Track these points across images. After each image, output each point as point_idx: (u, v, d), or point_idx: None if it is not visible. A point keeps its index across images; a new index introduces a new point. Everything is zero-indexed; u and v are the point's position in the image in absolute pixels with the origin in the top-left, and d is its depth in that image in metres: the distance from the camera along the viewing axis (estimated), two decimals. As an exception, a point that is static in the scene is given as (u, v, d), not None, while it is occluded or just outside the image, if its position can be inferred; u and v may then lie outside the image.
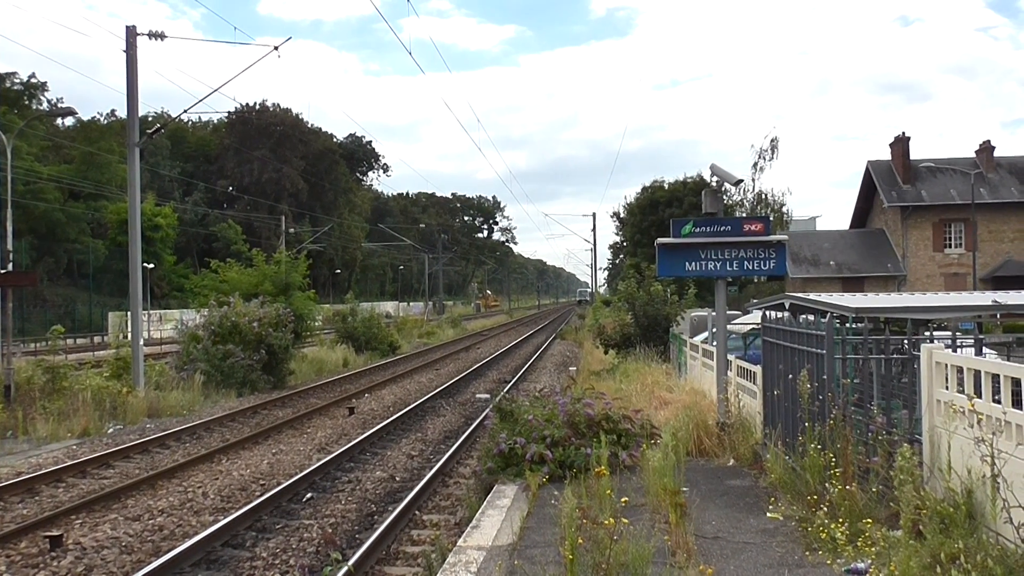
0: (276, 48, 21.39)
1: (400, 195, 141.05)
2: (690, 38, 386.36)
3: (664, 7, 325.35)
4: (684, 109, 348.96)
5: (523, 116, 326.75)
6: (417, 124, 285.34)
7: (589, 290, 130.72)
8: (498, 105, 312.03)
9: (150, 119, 66.73)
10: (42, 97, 65.32)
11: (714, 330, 13.43)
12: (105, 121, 75.89)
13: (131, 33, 21.26)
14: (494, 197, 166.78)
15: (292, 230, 72.90)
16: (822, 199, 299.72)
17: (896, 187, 46.88)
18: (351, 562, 7.54)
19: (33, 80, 64.36)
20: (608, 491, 7.14)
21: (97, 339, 45.13)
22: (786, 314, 10.61)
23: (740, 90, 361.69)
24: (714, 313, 12.91)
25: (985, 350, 9.17)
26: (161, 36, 21.30)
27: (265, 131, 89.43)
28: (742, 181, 14.95)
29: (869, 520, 6.35)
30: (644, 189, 52.75)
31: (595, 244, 73.47)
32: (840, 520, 6.47)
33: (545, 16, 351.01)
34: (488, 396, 20.46)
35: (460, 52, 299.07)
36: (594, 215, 72.31)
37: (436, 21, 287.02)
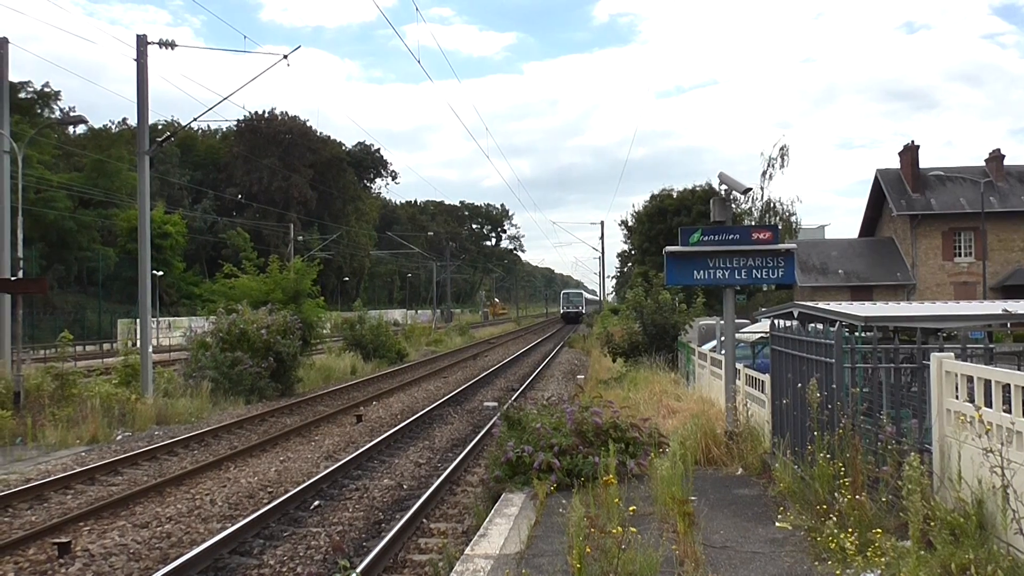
0: (286, 57, 21.54)
1: (408, 203, 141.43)
2: (694, 45, 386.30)
3: (667, 14, 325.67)
4: (690, 116, 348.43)
5: (527, 124, 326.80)
6: (420, 131, 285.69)
7: (588, 295, 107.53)
8: (502, 112, 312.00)
9: (159, 127, 67.15)
10: (54, 106, 65.77)
11: (722, 339, 13.40)
12: (115, 129, 76.35)
13: (142, 42, 21.40)
14: (502, 205, 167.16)
15: (301, 238, 73.16)
16: (830, 207, 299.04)
17: (905, 196, 46.74)
18: (358, 570, 7.54)
19: (47, 89, 64.85)
20: (616, 500, 7.13)
21: (106, 346, 45.28)
22: (795, 323, 10.59)
23: (745, 97, 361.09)
24: (722, 322, 12.89)
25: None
26: (172, 45, 21.42)
27: (274, 139, 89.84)
28: (751, 190, 14.89)
29: (879, 530, 6.32)
30: (652, 197, 52.69)
31: (603, 252, 73.45)
32: (849, 530, 6.44)
33: (547, 23, 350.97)
34: (496, 404, 20.44)
35: (463, 59, 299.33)
36: (602, 223, 72.01)
37: (438, 28, 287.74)
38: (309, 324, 26.61)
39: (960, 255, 46.19)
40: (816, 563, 6.43)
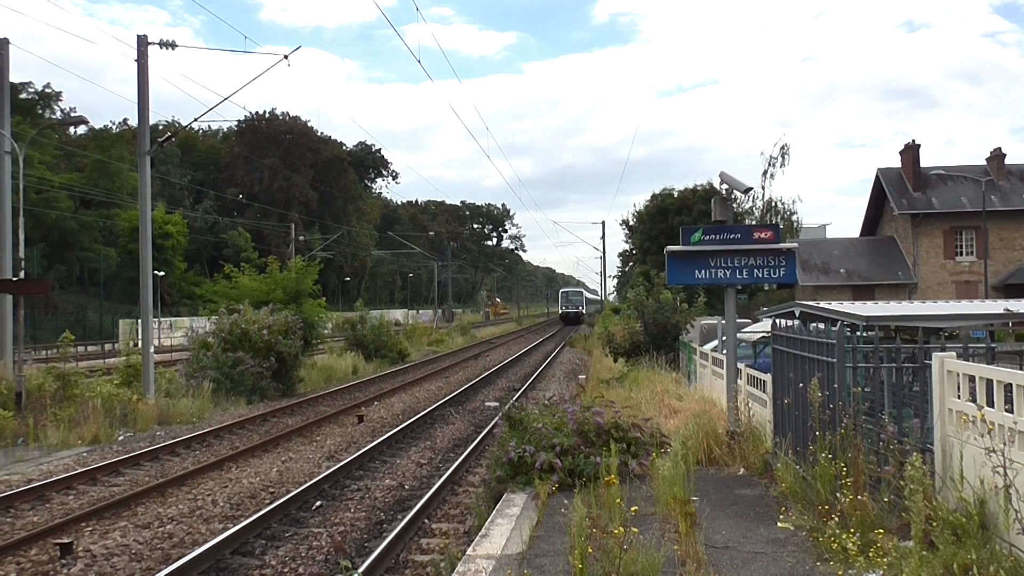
0: (286, 57, 21.53)
1: (409, 203, 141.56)
2: (694, 44, 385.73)
3: (667, 13, 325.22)
4: (690, 116, 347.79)
5: (528, 123, 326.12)
6: (421, 131, 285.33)
7: (589, 295, 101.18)
8: (502, 112, 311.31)
9: (160, 127, 67.17)
10: (55, 106, 65.87)
11: (724, 338, 13.39)
12: (116, 129, 76.43)
13: (142, 43, 21.40)
14: (503, 205, 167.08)
15: (302, 238, 73.13)
16: (831, 206, 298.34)
17: (906, 194, 46.70)
18: (360, 570, 7.55)
19: (48, 90, 64.93)
20: (618, 500, 7.12)
21: (108, 346, 45.28)
22: (796, 322, 10.58)
23: (746, 97, 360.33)
24: (724, 321, 12.88)
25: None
26: (172, 45, 21.42)
27: (274, 139, 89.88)
28: (752, 189, 14.96)
29: (881, 530, 6.32)
30: (653, 196, 52.64)
31: (604, 252, 73.20)
32: (851, 530, 6.43)
33: (547, 23, 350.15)
34: (497, 404, 20.45)
35: (463, 59, 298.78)
36: (603, 223, 71.45)
37: (438, 28, 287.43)
38: (310, 324, 26.63)
39: (961, 254, 46.14)
40: (818, 563, 6.43)
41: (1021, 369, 7.74)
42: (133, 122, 43.45)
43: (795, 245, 11.79)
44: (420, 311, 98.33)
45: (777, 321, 10.64)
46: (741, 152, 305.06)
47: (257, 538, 9.48)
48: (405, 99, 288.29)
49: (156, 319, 41.72)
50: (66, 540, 9.15)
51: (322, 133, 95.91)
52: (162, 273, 52.04)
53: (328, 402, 22.92)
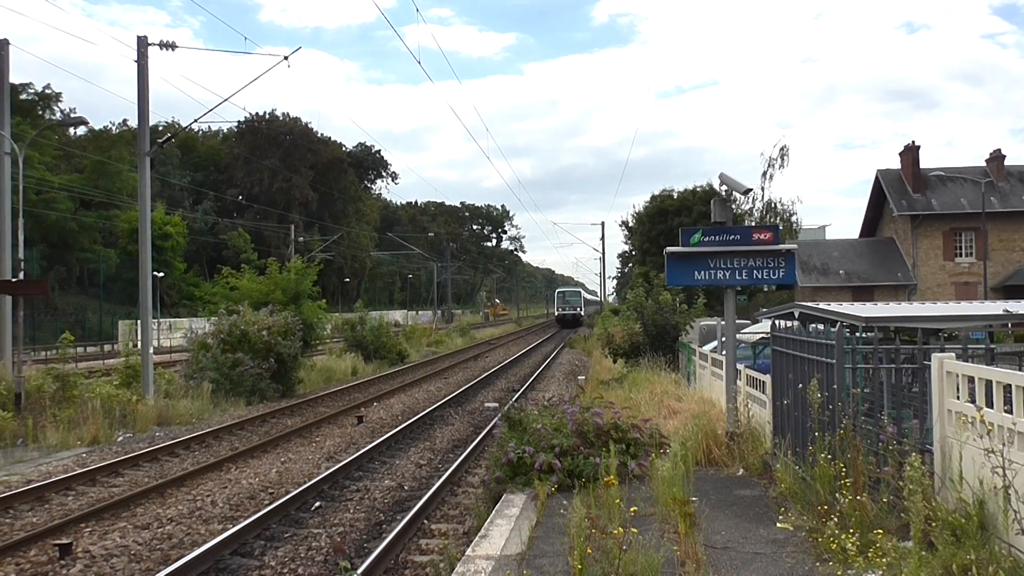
0: (286, 58, 21.57)
1: (409, 204, 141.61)
2: (694, 45, 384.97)
3: (666, 14, 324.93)
4: (690, 117, 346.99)
5: (527, 124, 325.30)
6: (420, 132, 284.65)
7: (588, 295, 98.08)
8: (502, 113, 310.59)
9: (160, 128, 67.24)
10: (55, 107, 65.87)
11: (723, 339, 13.40)
12: (116, 130, 76.43)
13: (142, 43, 21.42)
14: (503, 206, 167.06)
15: (301, 239, 73.16)
16: (830, 207, 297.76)
17: (906, 196, 46.73)
18: (359, 571, 7.55)
19: (48, 91, 64.94)
20: (617, 501, 7.13)
21: (107, 347, 45.27)
22: (796, 323, 10.59)
23: (745, 97, 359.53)
24: (723, 322, 12.89)
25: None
26: (172, 46, 21.45)
27: (274, 140, 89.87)
28: (751, 190, 14.91)
29: (880, 531, 6.32)
30: (653, 198, 52.63)
31: (604, 253, 73.25)
32: (851, 531, 6.44)
33: (547, 23, 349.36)
34: (497, 405, 20.45)
35: (462, 60, 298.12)
36: (603, 224, 71.34)
37: (438, 29, 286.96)
38: (309, 325, 26.62)
39: (961, 255, 46.17)
40: (817, 564, 6.43)
41: (1020, 370, 7.75)
42: (133, 123, 43.49)
43: (794, 246, 11.79)
44: (420, 312, 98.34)
45: (776, 322, 10.65)
46: (740, 153, 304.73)
47: (256, 539, 9.48)
48: (405, 100, 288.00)
49: (155, 320, 41.71)
50: (65, 541, 9.15)
51: (322, 134, 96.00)
52: (161, 274, 52.09)
53: (327, 403, 22.91)
